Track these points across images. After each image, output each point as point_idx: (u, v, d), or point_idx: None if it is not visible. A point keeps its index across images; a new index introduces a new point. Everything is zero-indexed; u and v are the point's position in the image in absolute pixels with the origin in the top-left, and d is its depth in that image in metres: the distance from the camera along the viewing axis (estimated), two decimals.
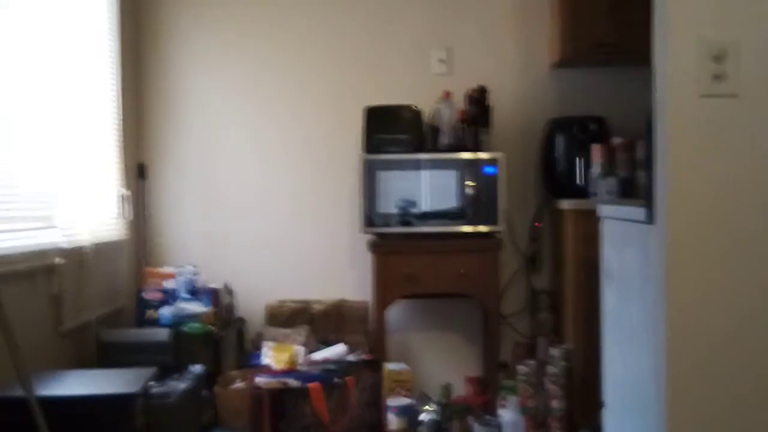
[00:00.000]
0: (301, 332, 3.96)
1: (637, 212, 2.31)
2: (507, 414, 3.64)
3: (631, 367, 2.52)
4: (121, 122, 4.11)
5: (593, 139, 3.96)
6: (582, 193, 3.92)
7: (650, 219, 2.13)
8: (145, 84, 4.41)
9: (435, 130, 4.03)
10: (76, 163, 3.56)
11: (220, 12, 4.41)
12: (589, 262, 3.21)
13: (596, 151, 3.90)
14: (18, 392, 2.36)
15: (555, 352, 3.73)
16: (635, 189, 3.78)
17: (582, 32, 3.93)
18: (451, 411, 3.74)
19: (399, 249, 3.92)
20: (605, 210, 2.86)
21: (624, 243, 2.60)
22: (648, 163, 2.12)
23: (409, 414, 3.66)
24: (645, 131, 2.13)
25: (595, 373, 2.95)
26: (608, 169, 3.86)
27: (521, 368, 3.79)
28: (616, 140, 3.93)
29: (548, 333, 4.12)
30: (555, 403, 3.67)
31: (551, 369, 3.70)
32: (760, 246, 1.95)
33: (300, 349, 3.76)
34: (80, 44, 3.66)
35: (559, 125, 4.15)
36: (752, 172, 1.93)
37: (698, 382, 1.99)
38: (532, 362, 3.82)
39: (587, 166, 3.93)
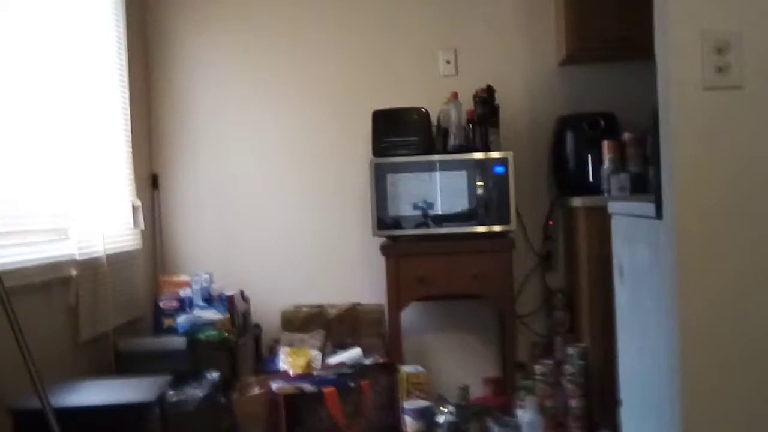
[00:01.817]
0: (316, 337, 3.97)
1: (646, 208, 2.30)
2: (525, 414, 3.63)
3: (646, 364, 2.51)
4: (132, 132, 4.12)
5: (603, 135, 3.94)
6: (593, 189, 3.90)
7: (659, 214, 2.12)
8: (155, 94, 4.45)
9: (444, 132, 4.03)
10: (88, 175, 3.59)
11: (227, 20, 4.44)
12: (603, 259, 3.20)
13: (606, 148, 3.88)
14: (34, 404, 2.38)
15: (572, 350, 3.72)
16: (647, 184, 3.76)
17: (589, 28, 3.92)
18: (469, 413, 3.73)
19: (411, 251, 3.92)
20: (615, 206, 2.85)
21: (634, 239, 2.59)
22: (655, 158, 2.11)
23: (427, 416, 3.65)
24: (652, 126, 2.12)
25: (613, 371, 2.94)
26: (619, 165, 3.84)
27: (538, 368, 3.78)
28: (627, 136, 3.91)
29: (564, 332, 4.10)
30: (573, 402, 3.66)
31: (568, 368, 3.69)
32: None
33: (316, 354, 3.77)
34: (89, 57, 3.69)
35: (568, 122, 4.14)
36: (758, 163, 1.92)
37: (713, 377, 1.97)
38: (549, 362, 3.81)
39: (598, 162, 3.92)
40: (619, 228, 2.82)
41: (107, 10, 3.93)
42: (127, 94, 4.10)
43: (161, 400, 2.76)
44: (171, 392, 3.05)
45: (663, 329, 2.14)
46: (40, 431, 2.34)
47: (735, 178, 1.93)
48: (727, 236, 1.94)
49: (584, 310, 3.80)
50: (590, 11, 3.93)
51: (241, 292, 4.12)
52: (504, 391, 4.01)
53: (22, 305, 2.62)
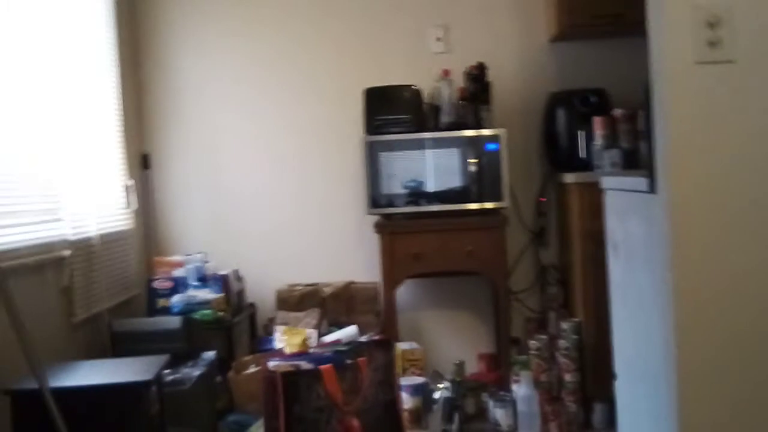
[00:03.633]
0: (312, 315, 3.98)
1: (639, 182, 2.31)
2: (520, 389, 3.65)
3: (640, 338, 2.52)
4: (123, 112, 4.13)
5: (594, 111, 3.94)
6: (585, 166, 3.90)
7: (652, 188, 2.13)
8: (145, 73, 4.43)
9: (435, 109, 4.03)
10: (80, 155, 3.59)
11: (217, 0, 4.41)
12: (596, 234, 3.22)
13: (598, 124, 3.88)
14: (31, 384, 2.38)
15: (566, 325, 3.74)
16: (638, 160, 3.76)
17: (580, 4, 3.90)
18: (465, 388, 3.77)
19: (405, 229, 3.93)
20: (608, 181, 2.85)
21: (628, 214, 2.60)
22: (648, 133, 2.12)
23: (423, 392, 3.68)
24: (644, 101, 2.13)
25: (607, 345, 2.96)
26: (610, 141, 3.84)
27: (533, 343, 3.81)
28: (618, 112, 3.91)
29: (558, 307, 4.13)
30: (568, 377, 3.68)
31: (563, 343, 3.71)
32: (761, 211, 1.95)
33: (312, 332, 3.78)
34: (79, 37, 3.68)
35: (559, 99, 4.14)
36: (750, 137, 1.93)
37: (707, 350, 1.98)
38: (543, 337, 3.83)
39: (589, 138, 3.92)
40: (612, 203, 2.83)
41: None
42: (117, 73, 4.09)
43: (158, 379, 2.76)
44: (168, 372, 3.06)
45: (657, 303, 2.16)
46: (38, 412, 2.35)
47: (727, 151, 1.93)
48: (721, 209, 1.95)
49: (578, 285, 3.82)
50: None
51: (236, 272, 4.13)
52: (498, 367, 4.04)
53: (16, 286, 2.62)
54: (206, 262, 4.01)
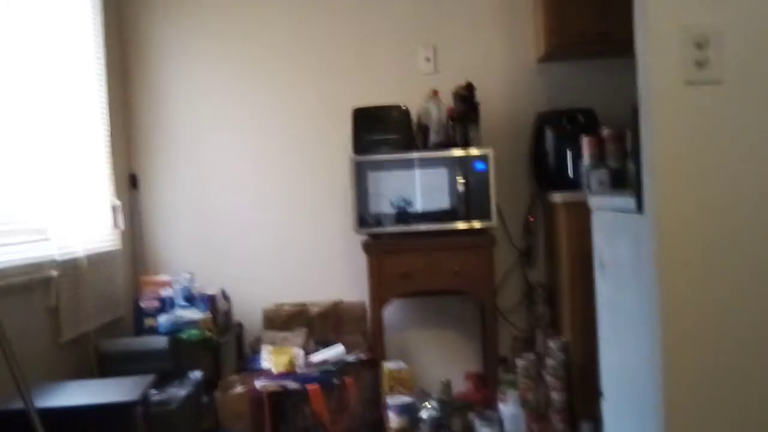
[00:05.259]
0: (299, 335, 3.97)
1: (627, 202, 2.32)
2: (507, 408, 3.65)
3: (627, 357, 2.53)
4: (111, 132, 4.11)
5: (582, 131, 3.96)
6: (573, 185, 3.92)
7: (639, 208, 2.14)
8: (133, 94, 4.42)
9: (424, 129, 4.04)
10: (67, 176, 3.57)
11: (204, 19, 4.42)
12: (583, 254, 3.22)
13: (586, 143, 3.90)
14: (17, 404, 2.36)
15: (553, 344, 3.74)
16: (626, 180, 3.78)
17: (567, 24, 3.94)
18: (452, 407, 3.75)
19: (393, 248, 3.93)
20: (596, 201, 2.87)
21: (615, 233, 2.61)
22: (636, 153, 2.13)
23: (410, 412, 3.67)
24: (632, 121, 2.14)
25: (594, 364, 2.96)
26: (598, 161, 3.85)
27: (520, 362, 3.80)
28: (606, 131, 3.93)
29: (545, 326, 4.13)
30: (555, 395, 3.68)
31: (550, 361, 3.71)
32: (748, 231, 1.96)
33: (299, 352, 3.77)
34: (67, 58, 3.68)
35: (547, 119, 4.16)
36: (738, 158, 1.94)
37: (693, 370, 1.99)
38: (530, 356, 3.83)
39: (577, 158, 3.94)
40: (600, 222, 2.84)
41: (85, 8, 3.91)
42: (105, 94, 4.08)
43: (144, 399, 2.74)
44: (154, 392, 3.03)
45: (644, 322, 2.16)
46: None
47: (715, 171, 1.95)
48: (708, 229, 1.96)
49: (565, 304, 3.83)
50: (568, 8, 3.95)
51: (223, 291, 4.12)
52: (486, 386, 4.03)
53: (3, 306, 2.61)
54: (193, 281, 3.99)
